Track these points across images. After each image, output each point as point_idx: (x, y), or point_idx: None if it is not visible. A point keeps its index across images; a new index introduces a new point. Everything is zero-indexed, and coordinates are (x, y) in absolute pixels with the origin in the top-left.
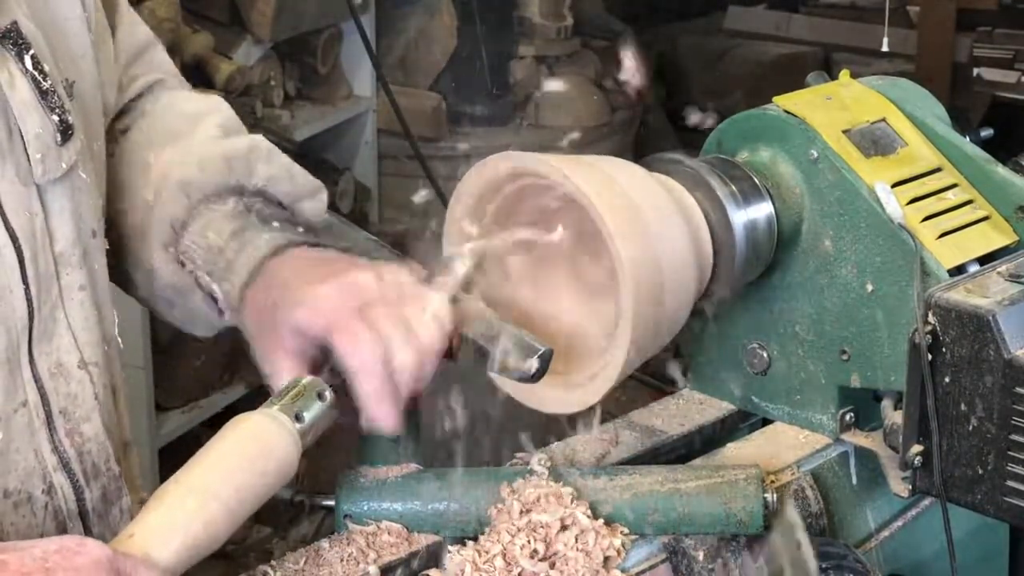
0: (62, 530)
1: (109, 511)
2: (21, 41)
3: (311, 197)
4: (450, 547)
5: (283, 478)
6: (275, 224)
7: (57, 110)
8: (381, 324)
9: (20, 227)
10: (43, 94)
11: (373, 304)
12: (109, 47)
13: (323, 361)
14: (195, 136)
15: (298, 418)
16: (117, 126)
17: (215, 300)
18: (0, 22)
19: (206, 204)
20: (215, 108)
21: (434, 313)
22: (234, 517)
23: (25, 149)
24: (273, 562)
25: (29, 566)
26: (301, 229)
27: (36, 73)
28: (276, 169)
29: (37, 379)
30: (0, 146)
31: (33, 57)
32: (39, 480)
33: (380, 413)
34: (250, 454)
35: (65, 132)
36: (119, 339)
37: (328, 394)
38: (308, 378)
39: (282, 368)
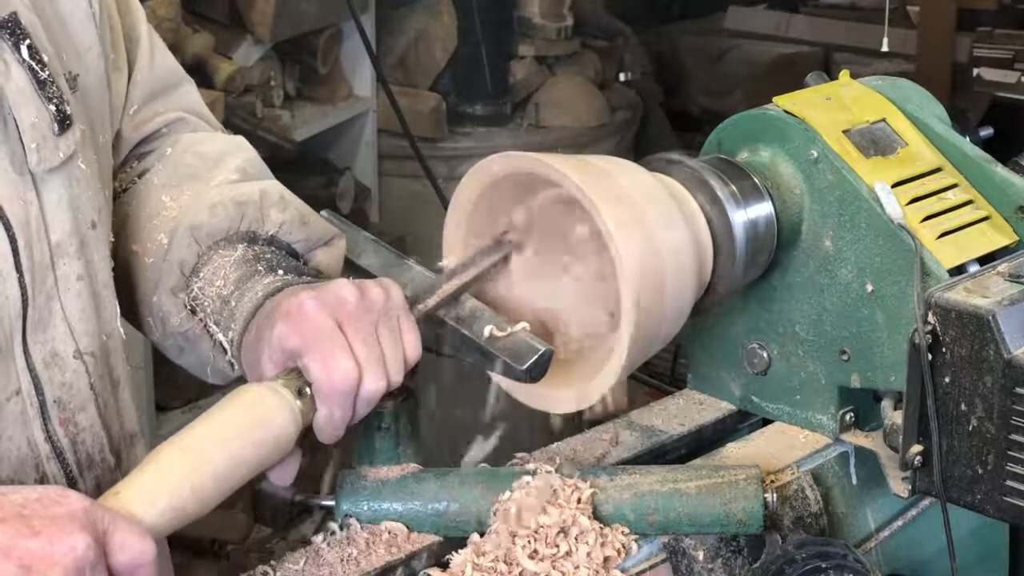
0: None
1: None
2: (19, 31)
3: (326, 245)
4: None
5: (280, 451)
6: (279, 272)
7: (55, 100)
8: (358, 348)
9: (14, 215)
10: (40, 84)
11: (352, 317)
12: (123, 76)
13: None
14: (213, 179)
15: (300, 393)
16: (135, 168)
17: (226, 350)
18: None
19: (216, 250)
20: (236, 149)
21: (405, 341)
22: (224, 484)
23: (20, 138)
24: (273, 562)
25: (6, 510)
26: (307, 278)
27: (33, 63)
28: (289, 216)
29: (31, 368)
30: None
31: (30, 47)
32: (31, 469)
33: (328, 435)
34: (247, 424)
35: (63, 122)
36: (121, 330)
37: None
38: None
39: (266, 374)
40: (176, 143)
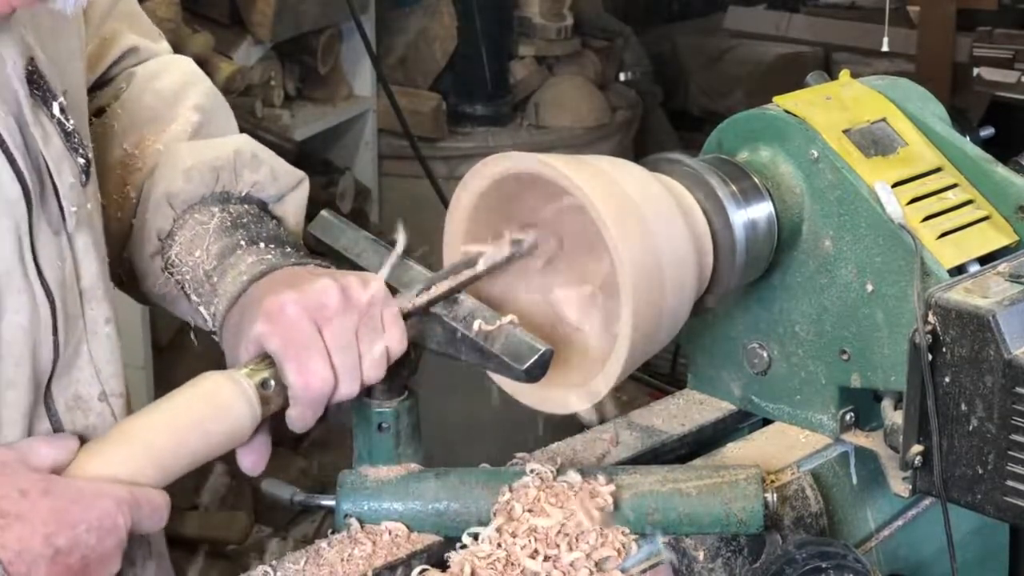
0: None
1: (129, 542)
2: (43, 82)
3: (293, 189)
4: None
5: (233, 442)
6: (261, 245)
7: (80, 149)
8: (336, 354)
9: (53, 279)
10: (67, 136)
11: (333, 322)
12: (80, 20)
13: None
14: (173, 119)
15: (264, 385)
16: (94, 102)
17: (206, 319)
18: (19, 63)
19: (189, 214)
20: (191, 81)
21: (388, 337)
22: (165, 473)
23: (58, 199)
24: (273, 562)
25: (74, 558)
26: (290, 249)
27: (62, 117)
28: (262, 175)
29: (52, 414)
30: (35, 200)
31: (60, 104)
32: None
33: (298, 428)
34: (199, 414)
35: (87, 171)
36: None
37: None
38: None
39: (241, 361)
40: (130, 78)
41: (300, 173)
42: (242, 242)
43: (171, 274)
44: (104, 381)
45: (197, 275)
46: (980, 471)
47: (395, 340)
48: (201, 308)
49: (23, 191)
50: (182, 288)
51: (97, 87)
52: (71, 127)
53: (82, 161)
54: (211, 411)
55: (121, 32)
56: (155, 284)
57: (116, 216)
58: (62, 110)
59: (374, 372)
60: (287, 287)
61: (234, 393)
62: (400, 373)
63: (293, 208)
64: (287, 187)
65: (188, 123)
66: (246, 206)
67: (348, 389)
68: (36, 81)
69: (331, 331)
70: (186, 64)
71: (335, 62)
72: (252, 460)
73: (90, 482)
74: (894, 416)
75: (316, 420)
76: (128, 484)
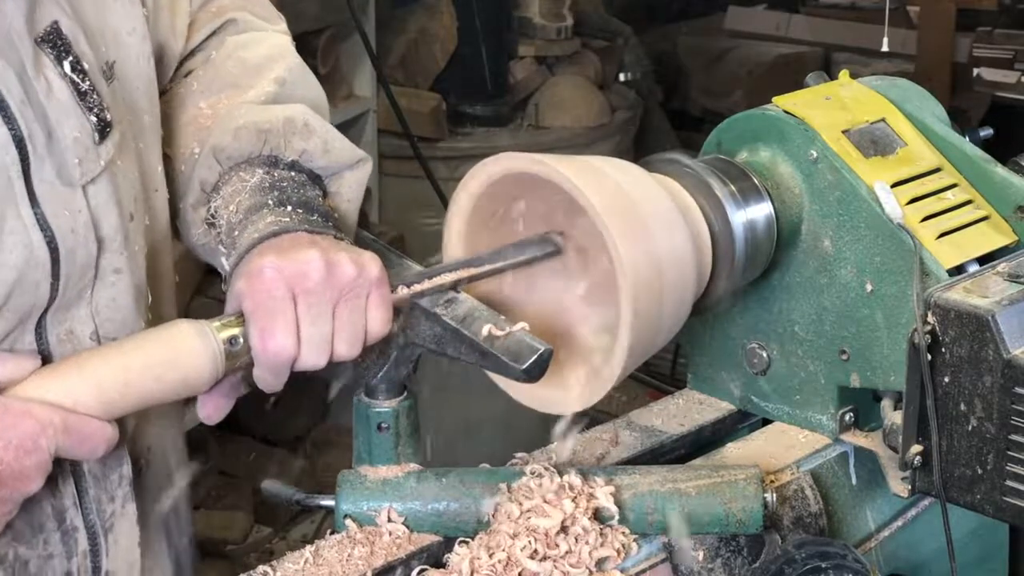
0: (52, 484)
1: (107, 476)
2: (60, 43)
3: (352, 167)
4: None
5: (188, 390)
6: (288, 208)
7: (95, 109)
8: (304, 324)
9: (59, 227)
10: (81, 95)
11: (310, 293)
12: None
13: None
14: (251, 88)
15: (232, 342)
16: (185, 66)
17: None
18: (40, 23)
19: (236, 171)
20: (279, 56)
21: (369, 317)
22: (110, 407)
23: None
24: (273, 562)
25: None
26: (316, 216)
27: (75, 76)
28: (312, 144)
29: (43, 343)
30: (38, 149)
31: (72, 62)
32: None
33: (266, 388)
34: (157, 358)
35: (103, 130)
36: (149, 314)
37: None
38: None
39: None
40: (220, 45)
41: (360, 153)
42: (270, 202)
43: (211, 226)
44: (99, 323)
45: (225, 228)
46: (979, 471)
47: (377, 322)
48: (222, 259)
49: (13, 136)
50: (220, 240)
51: (193, 52)
52: (86, 87)
53: (94, 120)
54: (170, 357)
55: (228, 8)
56: (195, 234)
57: (180, 170)
58: (76, 69)
59: (346, 349)
60: (275, 251)
61: (198, 344)
62: (400, 373)
63: (348, 186)
64: (342, 163)
65: (264, 93)
66: (293, 173)
67: (312, 360)
68: (51, 40)
69: (305, 301)
70: (279, 39)
71: (335, 62)
72: (208, 410)
73: (20, 401)
74: (893, 416)
75: (281, 384)
76: (63, 411)
